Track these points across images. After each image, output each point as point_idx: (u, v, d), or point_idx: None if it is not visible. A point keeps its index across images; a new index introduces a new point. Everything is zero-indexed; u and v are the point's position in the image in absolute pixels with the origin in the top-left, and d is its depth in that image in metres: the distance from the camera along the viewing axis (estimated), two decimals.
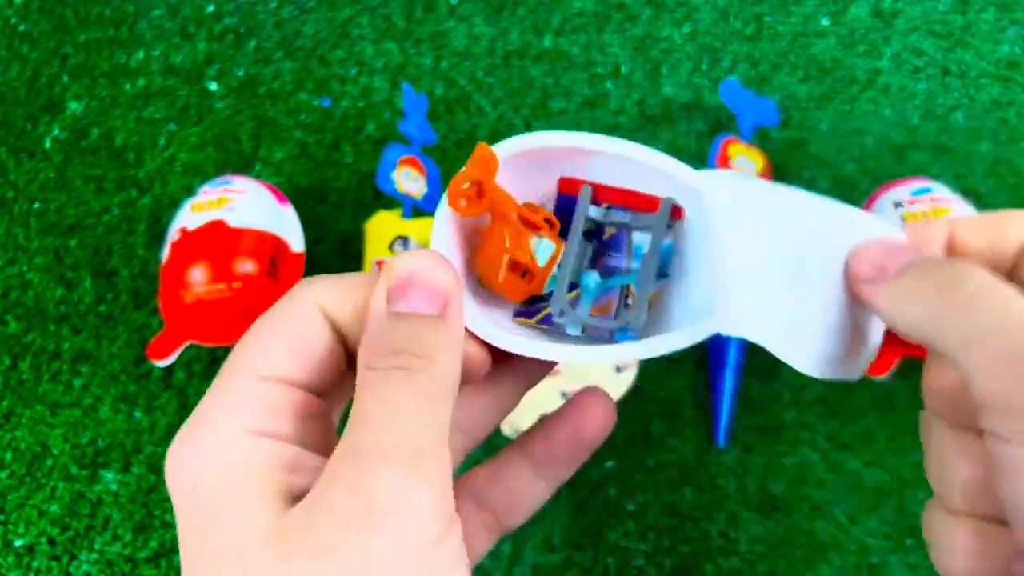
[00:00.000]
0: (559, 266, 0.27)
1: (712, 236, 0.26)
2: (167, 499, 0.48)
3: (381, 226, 0.51)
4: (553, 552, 0.47)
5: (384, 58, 0.62)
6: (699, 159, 0.56)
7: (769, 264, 0.27)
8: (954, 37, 0.60)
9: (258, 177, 0.58)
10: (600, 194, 0.28)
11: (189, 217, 0.50)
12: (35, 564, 0.47)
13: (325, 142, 0.59)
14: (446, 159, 0.58)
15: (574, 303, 0.27)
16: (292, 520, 0.19)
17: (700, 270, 0.28)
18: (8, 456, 0.51)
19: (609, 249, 0.28)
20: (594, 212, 0.28)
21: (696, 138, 0.57)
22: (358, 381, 0.20)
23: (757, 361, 0.50)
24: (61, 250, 0.57)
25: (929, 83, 0.58)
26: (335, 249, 0.55)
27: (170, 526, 0.48)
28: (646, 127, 0.58)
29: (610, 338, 0.27)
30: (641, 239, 0.28)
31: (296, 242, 0.51)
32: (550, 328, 0.27)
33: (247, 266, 0.48)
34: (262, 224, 0.50)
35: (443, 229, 0.26)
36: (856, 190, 0.54)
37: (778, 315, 0.27)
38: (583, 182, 0.28)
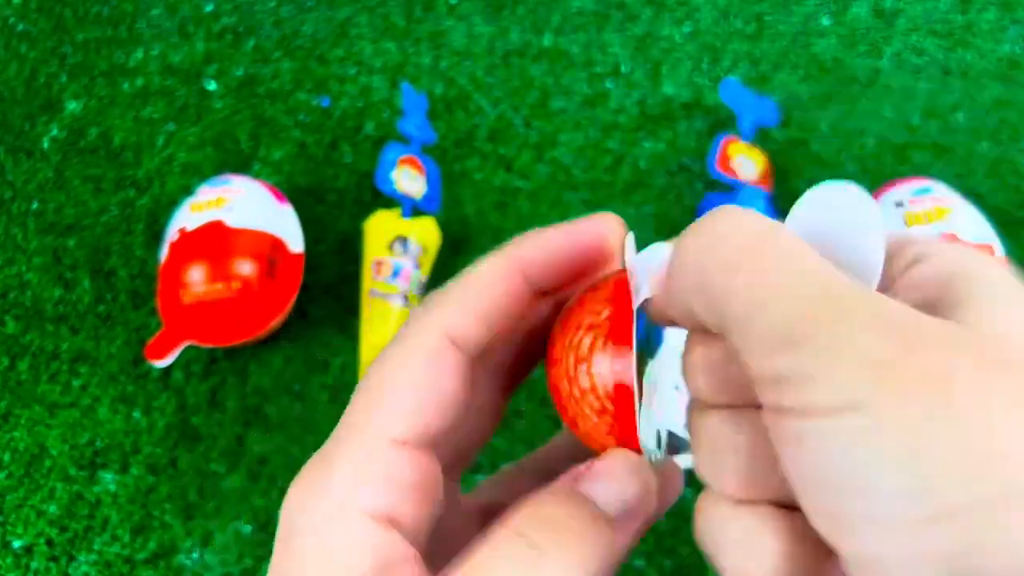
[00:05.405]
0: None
1: None
2: (165, 500, 0.48)
3: (380, 226, 0.51)
4: None
5: (383, 57, 0.62)
6: (699, 158, 0.56)
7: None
8: (955, 36, 0.60)
9: (257, 177, 0.58)
10: None
11: (188, 217, 0.50)
12: (33, 565, 0.47)
13: (324, 142, 0.59)
14: (446, 158, 0.58)
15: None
16: None
17: None
18: (6, 457, 0.50)
19: None
20: None
21: (696, 137, 0.57)
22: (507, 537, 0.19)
23: None
24: (59, 250, 0.57)
25: (930, 83, 0.58)
26: (334, 249, 0.55)
27: (169, 527, 0.47)
28: (646, 126, 0.57)
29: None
30: None
31: (295, 242, 0.51)
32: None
33: (246, 266, 0.48)
34: (261, 224, 0.49)
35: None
36: None
37: None
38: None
